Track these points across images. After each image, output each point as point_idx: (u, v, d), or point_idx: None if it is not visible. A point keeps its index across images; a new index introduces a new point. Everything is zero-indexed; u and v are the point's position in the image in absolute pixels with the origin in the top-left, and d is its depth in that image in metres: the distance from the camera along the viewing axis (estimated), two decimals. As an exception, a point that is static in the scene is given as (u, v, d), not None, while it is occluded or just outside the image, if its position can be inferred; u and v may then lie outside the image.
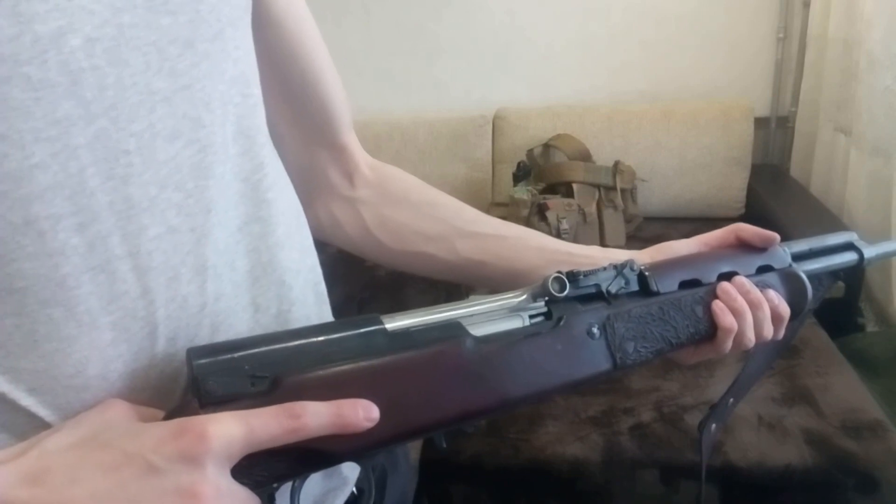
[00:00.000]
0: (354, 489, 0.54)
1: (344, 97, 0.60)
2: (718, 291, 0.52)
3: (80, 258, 0.35)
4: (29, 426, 0.36)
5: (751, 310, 0.52)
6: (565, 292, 0.46)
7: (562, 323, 0.46)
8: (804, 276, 0.55)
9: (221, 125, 0.41)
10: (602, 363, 0.46)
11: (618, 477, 1.17)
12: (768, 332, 0.52)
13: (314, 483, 0.41)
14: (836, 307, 1.66)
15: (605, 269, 0.49)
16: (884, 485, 1.11)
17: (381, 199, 0.62)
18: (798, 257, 0.57)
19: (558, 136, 2.18)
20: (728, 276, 0.53)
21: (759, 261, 0.55)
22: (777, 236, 0.56)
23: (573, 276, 0.47)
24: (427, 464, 1.22)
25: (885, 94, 1.65)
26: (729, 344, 0.52)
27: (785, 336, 0.55)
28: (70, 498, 0.32)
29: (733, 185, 2.19)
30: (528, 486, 1.20)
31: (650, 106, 2.25)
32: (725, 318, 0.51)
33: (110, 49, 0.35)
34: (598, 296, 0.48)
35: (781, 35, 2.27)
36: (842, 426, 1.19)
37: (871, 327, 1.79)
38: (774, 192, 2.18)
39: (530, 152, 2.21)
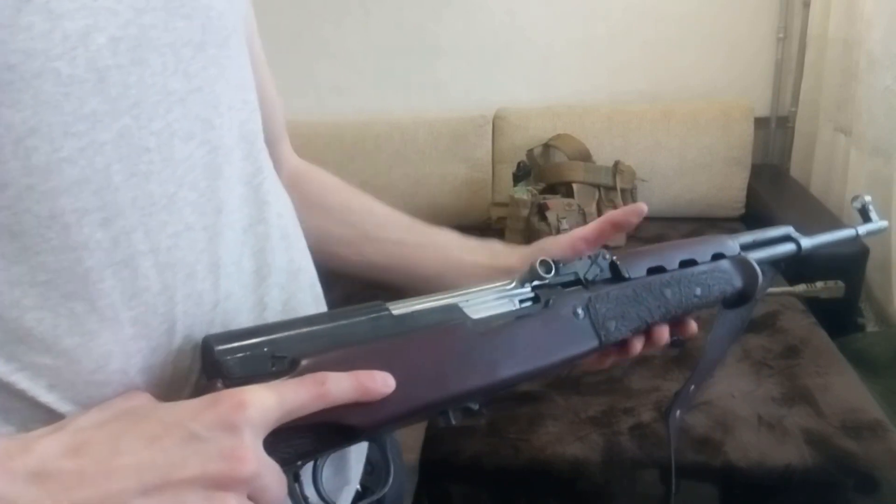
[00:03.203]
0: (359, 487, 0.55)
1: (280, 103, 0.63)
2: None
3: (104, 253, 0.36)
4: (49, 423, 0.36)
5: None
6: (551, 274, 0.50)
7: (549, 304, 0.50)
8: (755, 262, 0.61)
9: (229, 128, 0.43)
10: (589, 341, 0.51)
11: (618, 477, 1.17)
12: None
13: (323, 479, 0.42)
14: (836, 307, 1.65)
15: (580, 259, 0.54)
16: (884, 485, 1.11)
17: (295, 203, 0.65)
18: (745, 247, 0.62)
19: (558, 136, 2.18)
20: (688, 263, 0.58)
21: (713, 249, 0.60)
22: (644, 206, 0.62)
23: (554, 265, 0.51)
24: (427, 464, 1.22)
25: (885, 94, 1.65)
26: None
27: (738, 325, 0.62)
28: (115, 468, 0.32)
29: (733, 185, 2.19)
30: (528, 486, 1.19)
31: (650, 106, 2.25)
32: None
33: (133, 49, 0.36)
34: (577, 282, 0.53)
35: (781, 35, 2.27)
36: (842, 426, 1.19)
37: (871, 327, 1.80)
38: (774, 192, 2.18)
39: (530, 152, 2.21)
